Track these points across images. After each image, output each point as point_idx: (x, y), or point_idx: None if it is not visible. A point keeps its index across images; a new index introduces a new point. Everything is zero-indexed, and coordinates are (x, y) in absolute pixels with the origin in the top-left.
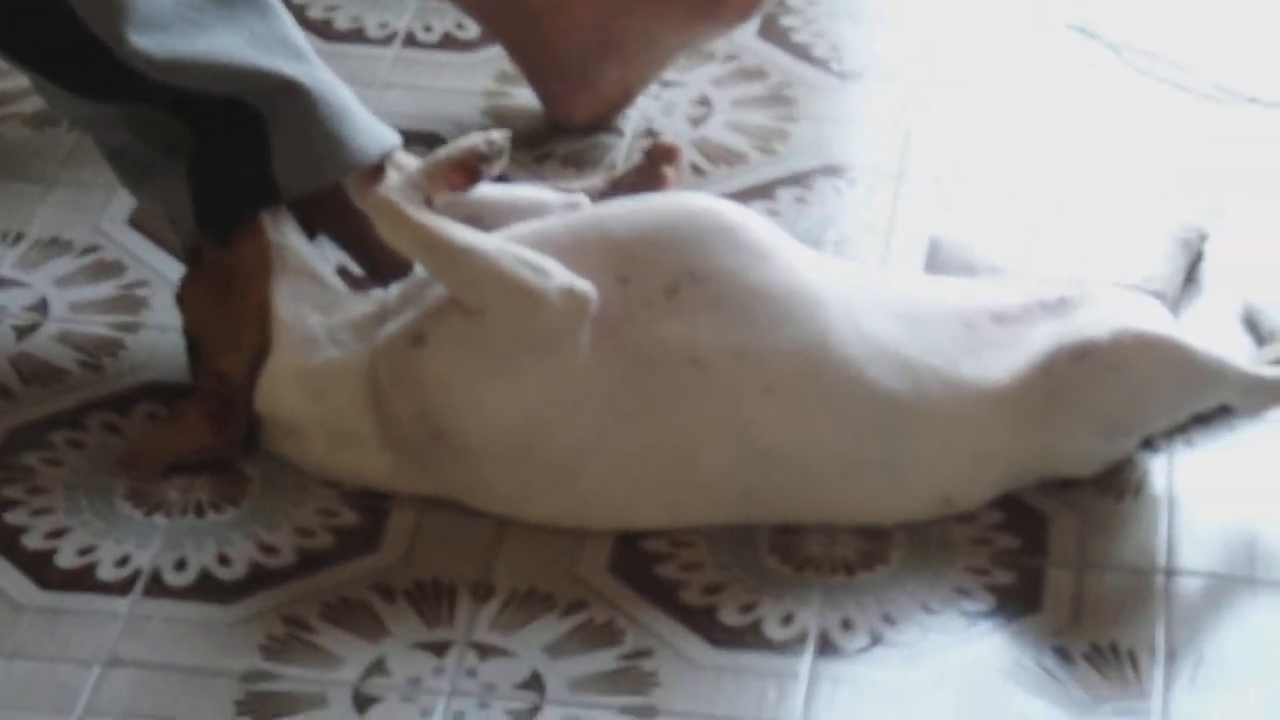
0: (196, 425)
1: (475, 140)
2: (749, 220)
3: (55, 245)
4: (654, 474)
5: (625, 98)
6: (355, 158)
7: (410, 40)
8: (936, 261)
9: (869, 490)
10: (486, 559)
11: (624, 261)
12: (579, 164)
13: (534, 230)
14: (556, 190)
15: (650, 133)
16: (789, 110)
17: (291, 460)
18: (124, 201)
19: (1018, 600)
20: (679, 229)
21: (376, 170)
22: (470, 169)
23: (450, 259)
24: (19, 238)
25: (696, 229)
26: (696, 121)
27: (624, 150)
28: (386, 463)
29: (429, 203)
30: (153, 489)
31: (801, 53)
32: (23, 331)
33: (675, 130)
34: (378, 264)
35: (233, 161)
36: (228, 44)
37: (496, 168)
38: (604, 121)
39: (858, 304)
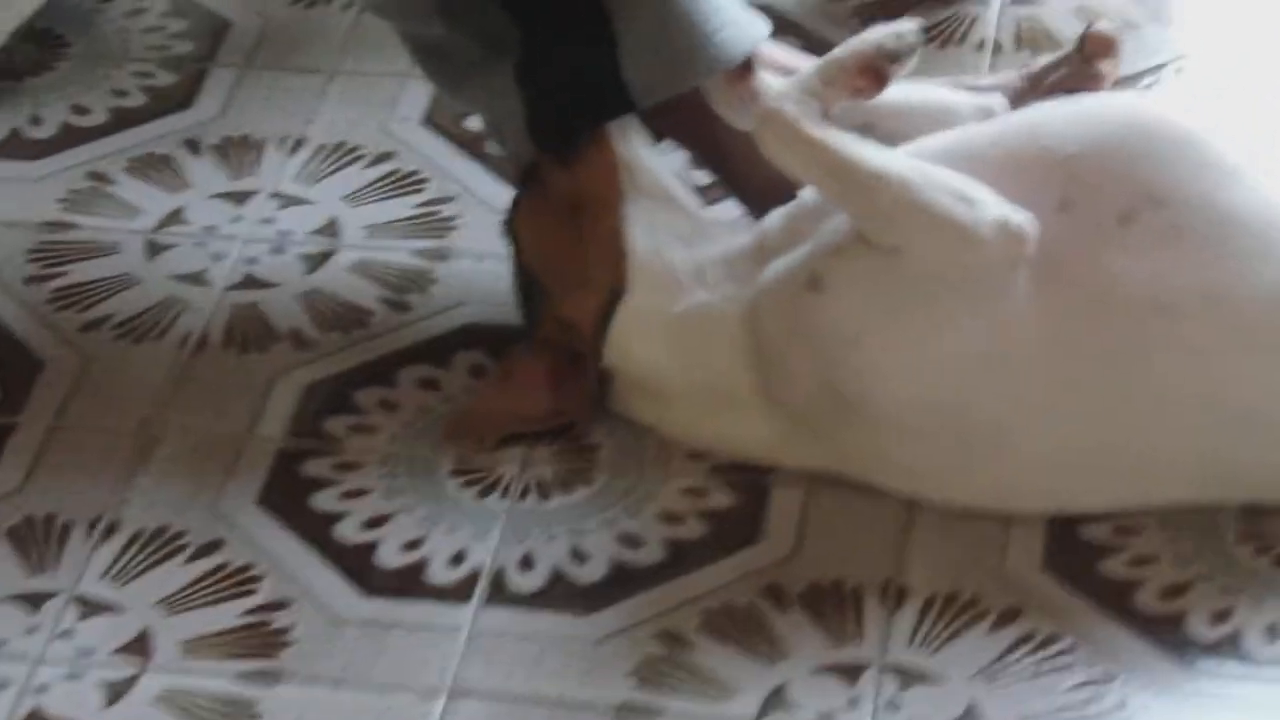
0: (536, 384)
1: (881, 35)
2: (1215, 131)
3: (341, 152)
4: (1101, 445)
5: None
6: (722, 55)
7: None
8: None
9: None
10: (894, 552)
11: (1067, 183)
12: (942, 41)
13: (950, 145)
14: (963, 90)
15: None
16: None
17: (649, 426)
18: (416, 95)
19: None
20: (1132, 142)
21: (744, 68)
22: (877, 71)
23: (859, 186)
24: (299, 144)
25: (1154, 142)
26: None
27: (993, 23)
28: (769, 430)
29: (825, 114)
30: (484, 463)
31: None
32: (313, 262)
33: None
34: (744, 181)
35: (574, 61)
36: None
37: (907, 69)
38: None
39: None
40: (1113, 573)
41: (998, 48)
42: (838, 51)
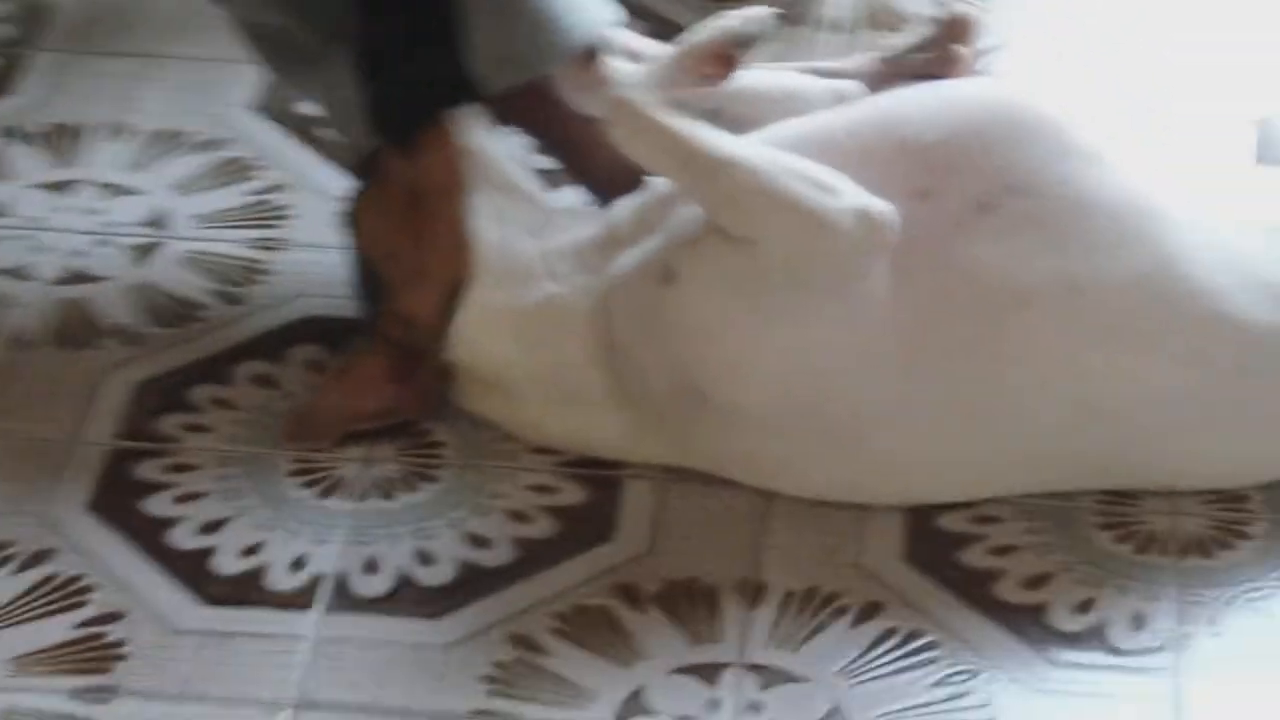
0: (375, 380)
1: (731, 21)
2: (1073, 116)
3: (168, 140)
4: (959, 436)
5: None
6: (568, 41)
7: None
8: (1270, 149)
9: (1228, 447)
10: (751, 548)
11: (924, 171)
12: (791, 20)
13: (805, 132)
14: (814, 74)
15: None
16: None
17: (494, 421)
18: (247, 81)
19: None
20: (991, 129)
21: (591, 54)
22: (727, 57)
23: (711, 174)
24: (121, 130)
25: (1013, 128)
26: None
27: (842, 1)
28: (621, 425)
29: (674, 101)
30: (324, 462)
31: None
32: (141, 254)
33: None
34: (590, 169)
35: (415, 49)
36: None
37: (758, 54)
38: None
39: (1209, 217)
40: (973, 563)
41: (847, 26)
42: (687, 37)
